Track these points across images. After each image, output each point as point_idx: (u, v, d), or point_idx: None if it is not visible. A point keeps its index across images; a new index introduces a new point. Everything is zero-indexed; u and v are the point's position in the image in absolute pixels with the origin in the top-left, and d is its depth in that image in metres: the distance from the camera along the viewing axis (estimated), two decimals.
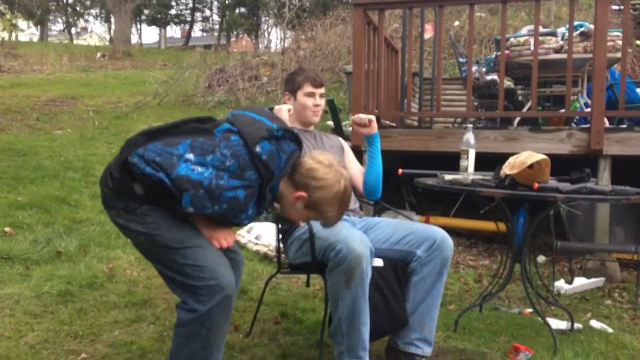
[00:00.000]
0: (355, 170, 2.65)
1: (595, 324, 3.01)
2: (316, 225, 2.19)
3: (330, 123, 5.75)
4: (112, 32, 27.08)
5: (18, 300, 2.78)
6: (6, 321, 2.56)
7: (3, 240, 3.49)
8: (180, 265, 1.79)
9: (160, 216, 1.78)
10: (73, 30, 33.27)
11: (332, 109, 5.38)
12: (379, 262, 2.21)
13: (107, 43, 27.40)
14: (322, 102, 2.57)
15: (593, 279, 3.76)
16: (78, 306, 2.80)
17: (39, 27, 31.45)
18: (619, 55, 4.32)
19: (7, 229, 3.67)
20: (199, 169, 1.68)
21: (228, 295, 1.78)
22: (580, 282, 3.71)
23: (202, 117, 1.89)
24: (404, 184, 5.50)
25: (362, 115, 2.54)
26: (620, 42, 4.30)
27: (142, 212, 1.77)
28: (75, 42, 29.04)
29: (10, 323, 2.54)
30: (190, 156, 1.70)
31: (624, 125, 4.57)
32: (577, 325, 2.92)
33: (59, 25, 34.57)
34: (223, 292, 1.76)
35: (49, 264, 3.32)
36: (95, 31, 38.18)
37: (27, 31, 35.36)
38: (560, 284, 3.64)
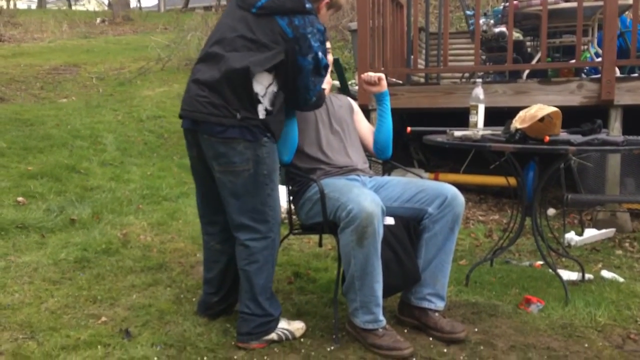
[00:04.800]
0: (365, 129, 2.64)
1: (606, 274, 3.02)
2: (327, 186, 2.19)
3: (336, 82, 5.68)
4: None
5: (36, 268, 2.84)
6: (26, 288, 2.61)
7: (17, 209, 3.54)
8: (266, 197, 2.09)
9: (272, 149, 2.09)
10: None
11: (338, 69, 5.31)
12: (390, 221, 2.21)
13: (106, 8, 26.92)
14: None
15: (604, 230, 3.76)
16: (95, 272, 2.86)
17: None
18: (630, 2, 4.20)
19: (20, 198, 3.72)
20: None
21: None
22: (590, 233, 3.72)
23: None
24: (412, 141, 5.47)
25: (371, 74, 2.52)
26: None
27: (262, 142, 2.04)
28: (73, 8, 28.58)
29: (30, 290, 2.60)
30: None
31: (636, 74, 4.49)
32: (588, 276, 2.94)
33: None
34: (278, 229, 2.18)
35: (64, 231, 3.38)
36: None
37: None
38: (571, 236, 3.66)
